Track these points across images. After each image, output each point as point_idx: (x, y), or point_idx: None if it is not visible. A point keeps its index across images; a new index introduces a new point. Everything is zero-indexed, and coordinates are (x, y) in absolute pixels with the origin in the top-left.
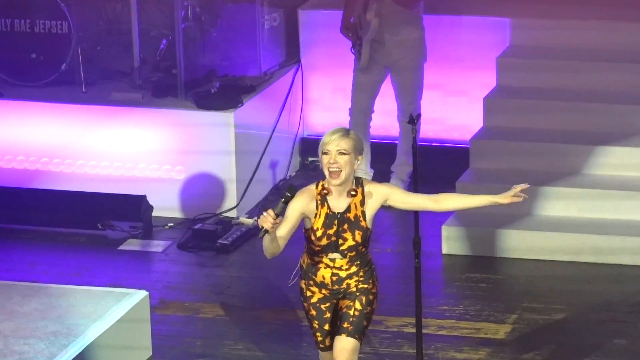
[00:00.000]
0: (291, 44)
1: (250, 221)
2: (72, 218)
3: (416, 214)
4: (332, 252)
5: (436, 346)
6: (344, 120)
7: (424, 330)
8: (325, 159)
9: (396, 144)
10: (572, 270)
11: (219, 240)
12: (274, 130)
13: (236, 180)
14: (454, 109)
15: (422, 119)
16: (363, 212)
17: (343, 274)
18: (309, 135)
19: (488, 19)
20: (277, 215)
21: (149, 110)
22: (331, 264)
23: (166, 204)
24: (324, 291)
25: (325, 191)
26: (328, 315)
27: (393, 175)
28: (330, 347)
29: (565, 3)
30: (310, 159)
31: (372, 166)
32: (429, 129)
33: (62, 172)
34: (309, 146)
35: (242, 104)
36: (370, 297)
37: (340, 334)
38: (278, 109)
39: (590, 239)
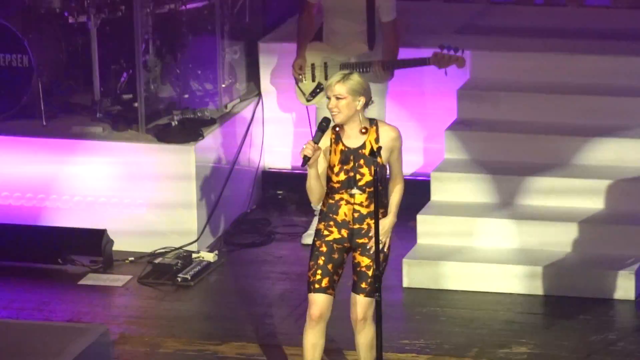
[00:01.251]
0: (252, 76)
1: (210, 255)
2: (33, 252)
3: (376, 245)
4: (352, 188)
5: None
6: None
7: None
8: (328, 103)
9: None
10: (532, 302)
11: (180, 275)
12: (234, 164)
13: (197, 214)
14: (415, 141)
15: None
16: (379, 148)
17: (364, 210)
18: (270, 168)
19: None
20: (316, 143)
21: (109, 143)
22: (351, 200)
23: (127, 238)
24: (343, 231)
25: (337, 128)
26: (336, 256)
27: None
28: (324, 290)
29: (524, 36)
30: (271, 192)
31: None
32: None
33: (22, 205)
34: (270, 179)
35: (203, 137)
36: (387, 251)
37: (358, 293)
38: (239, 142)
39: (551, 271)
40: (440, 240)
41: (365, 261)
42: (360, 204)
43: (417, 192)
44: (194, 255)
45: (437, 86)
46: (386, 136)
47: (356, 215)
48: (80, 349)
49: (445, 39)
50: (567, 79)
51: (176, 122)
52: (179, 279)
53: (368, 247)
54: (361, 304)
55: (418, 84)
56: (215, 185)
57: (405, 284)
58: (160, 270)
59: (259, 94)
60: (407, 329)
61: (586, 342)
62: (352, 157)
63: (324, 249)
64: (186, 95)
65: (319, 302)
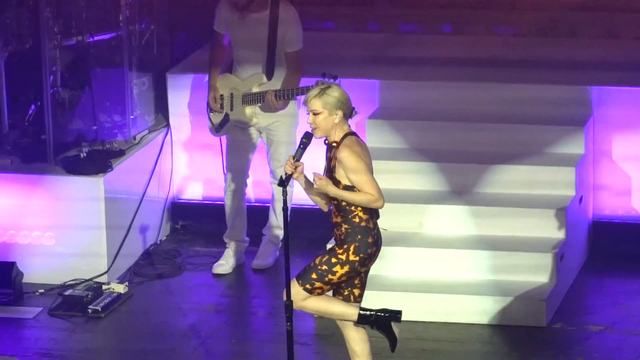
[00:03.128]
0: (160, 107)
1: (121, 286)
2: None
3: (287, 275)
4: None
5: None
6: (217, 184)
7: None
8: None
9: (268, 206)
10: (444, 331)
11: (90, 306)
12: (144, 195)
13: (107, 245)
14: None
15: (293, 180)
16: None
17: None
18: (179, 199)
19: (358, 81)
20: (296, 160)
21: (18, 176)
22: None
23: (37, 270)
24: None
25: (326, 141)
26: None
27: (264, 238)
28: None
29: (433, 65)
30: (181, 222)
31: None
32: (300, 191)
33: None
34: (180, 210)
35: (112, 169)
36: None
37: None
38: (148, 173)
39: (462, 300)
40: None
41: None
42: None
43: (327, 221)
44: (104, 287)
45: None
46: (338, 155)
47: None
48: None
49: (355, 68)
50: (475, 108)
51: (85, 154)
52: (90, 311)
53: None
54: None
55: None
56: (124, 217)
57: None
58: (71, 302)
59: (168, 125)
60: (319, 358)
61: None
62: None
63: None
64: (95, 127)
65: None
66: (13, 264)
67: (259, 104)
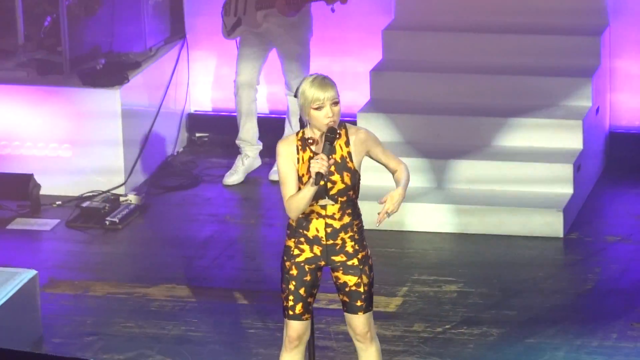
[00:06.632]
0: (176, 19)
1: (138, 198)
2: None
3: None
4: (322, 198)
5: (327, 320)
6: (231, 95)
7: (315, 305)
8: (321, 113)
9: (284, 117)
10: (461, 242)
11: (107, 218)
12: (160, 106)
13: (124, 158)
14: (341, 82)
15: None
16: (349, 153)
17: (337, 224)
18: (195, 111)
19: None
20: (328, 157)
21: (34, 88)
22: (323, 212)
23: (54, 182)
24: (315, 249)
25: (310, 140)
26: (308, 278)
27: None
28: (299, 317)
29: (437, 15)
30: (197, 134)
31: (260, 139)
32: None
33: None
34: (196, 122)
35: (128, 81)
36: (370, 262)
37: (356, 313)
38: (164, 85)
39: (479, 211)
40: (364, 179)
41: (352, 280)
42: (333, 217)
43: None
44: (121, 199)
45: (362, 27)
46: (356, 139)
47: (329, 230)
48: (9, 293)
49: None
50: (495, 19)
51: (101, 66)
52: (107, 222)
53: (349, 264)
54: (362, 321)
55: (343, 25)
56: (141, 129)
57: None
58: (88, 214)
59: (184, 36)
60: None
61: (516, 280)
62: None
63: (294, 272)
64: (111, 39)
65: (294, 327)
66: (30, 176)
67: (271, 9)
